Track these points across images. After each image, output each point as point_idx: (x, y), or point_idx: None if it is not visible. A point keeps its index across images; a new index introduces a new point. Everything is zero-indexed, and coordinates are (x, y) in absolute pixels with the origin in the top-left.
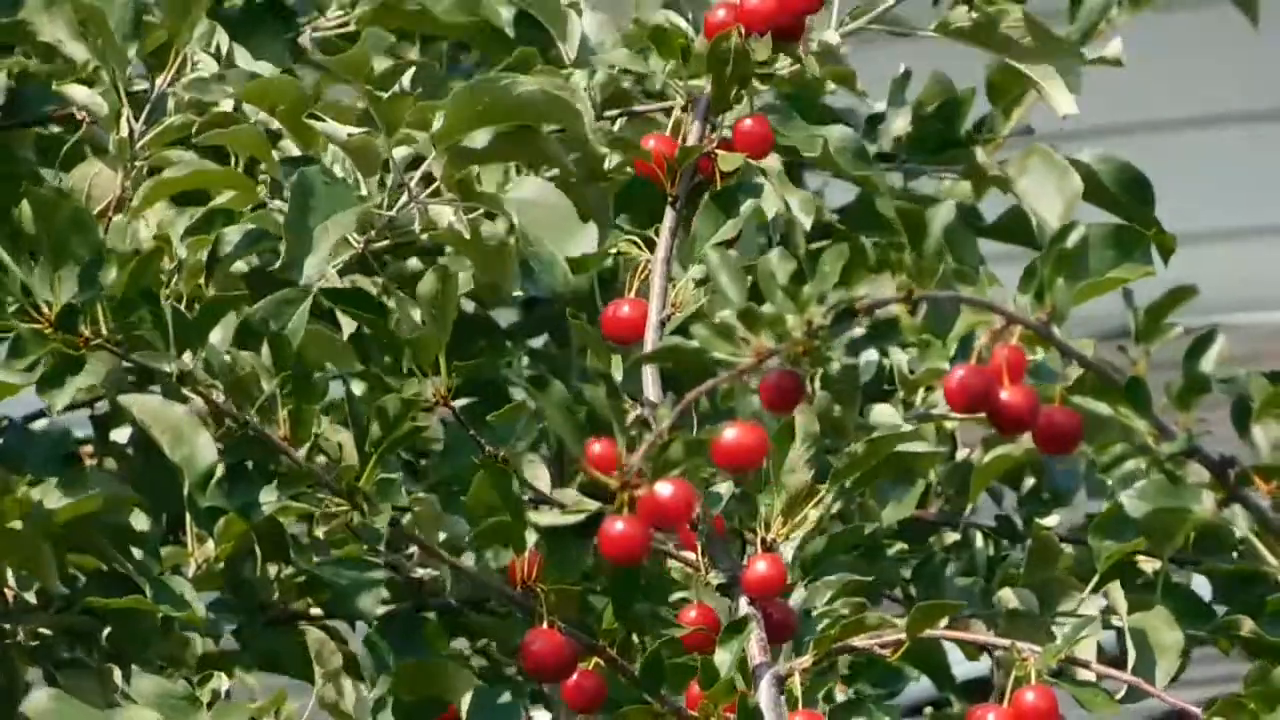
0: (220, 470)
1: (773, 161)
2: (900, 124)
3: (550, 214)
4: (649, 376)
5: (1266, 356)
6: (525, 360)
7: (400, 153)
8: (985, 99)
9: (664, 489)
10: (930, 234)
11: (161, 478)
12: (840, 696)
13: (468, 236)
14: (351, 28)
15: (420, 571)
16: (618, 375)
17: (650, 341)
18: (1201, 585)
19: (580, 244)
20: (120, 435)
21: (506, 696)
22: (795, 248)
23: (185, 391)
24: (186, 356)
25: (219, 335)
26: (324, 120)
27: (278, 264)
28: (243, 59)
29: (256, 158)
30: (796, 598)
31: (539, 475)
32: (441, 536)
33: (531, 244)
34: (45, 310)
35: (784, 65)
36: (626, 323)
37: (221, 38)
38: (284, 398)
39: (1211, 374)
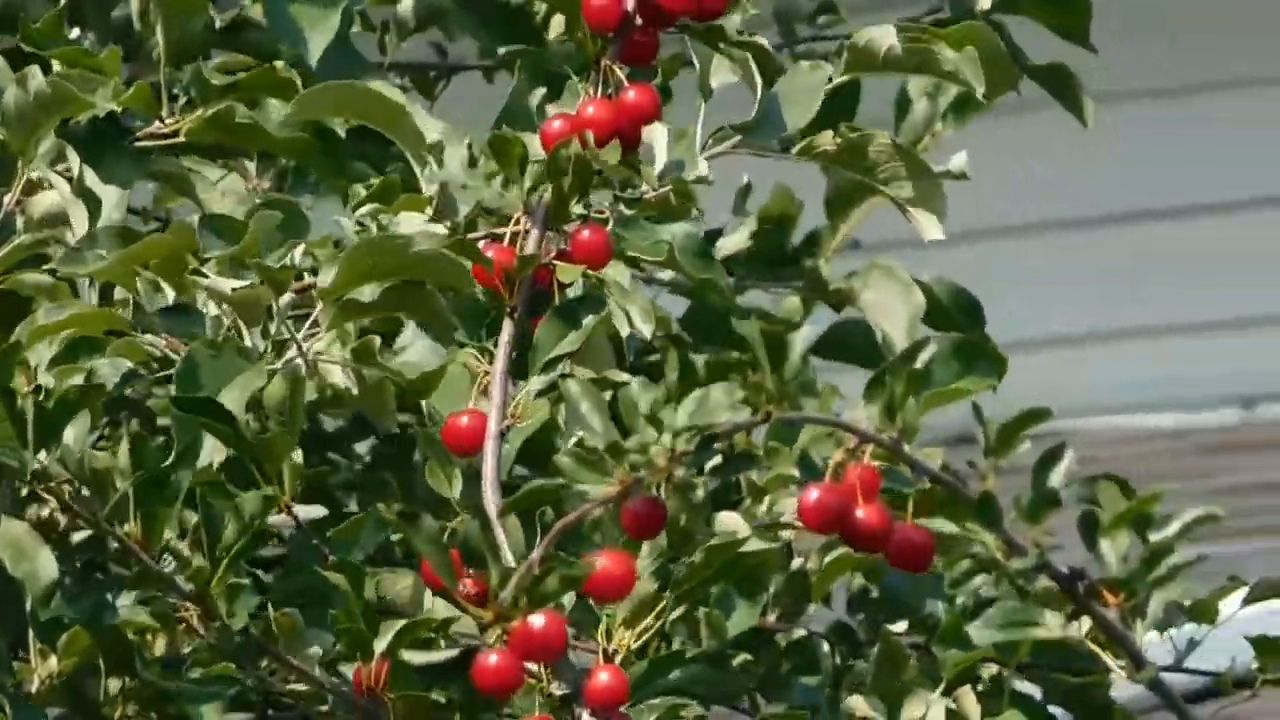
0: (63, 581)
1: (615, 272)
2: (739, 238)
3: (446, 382)
4: (489, 488)
5: (1101, 461)
6: (358, 467)
7: (283, 300)
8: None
9: (537, 620)
10: (790, 357)
11: (3, 593)
12: None
13: (356, 392)
14: (180, 139)
15: (290, 686)
16: (457, 488)
17: (490, 451)
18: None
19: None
20: None
21: None
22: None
23: (39, 492)
24: (42, 455)
25: (74, 433)
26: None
27: (170, 458)
28: (91, 180)
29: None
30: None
31: (397, 584)
32: (314, 649)
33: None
34: None
35: (647, 190)
36: (466, 432)
37: (71, 157)
38: (138, 499)
39: (1060, 487)
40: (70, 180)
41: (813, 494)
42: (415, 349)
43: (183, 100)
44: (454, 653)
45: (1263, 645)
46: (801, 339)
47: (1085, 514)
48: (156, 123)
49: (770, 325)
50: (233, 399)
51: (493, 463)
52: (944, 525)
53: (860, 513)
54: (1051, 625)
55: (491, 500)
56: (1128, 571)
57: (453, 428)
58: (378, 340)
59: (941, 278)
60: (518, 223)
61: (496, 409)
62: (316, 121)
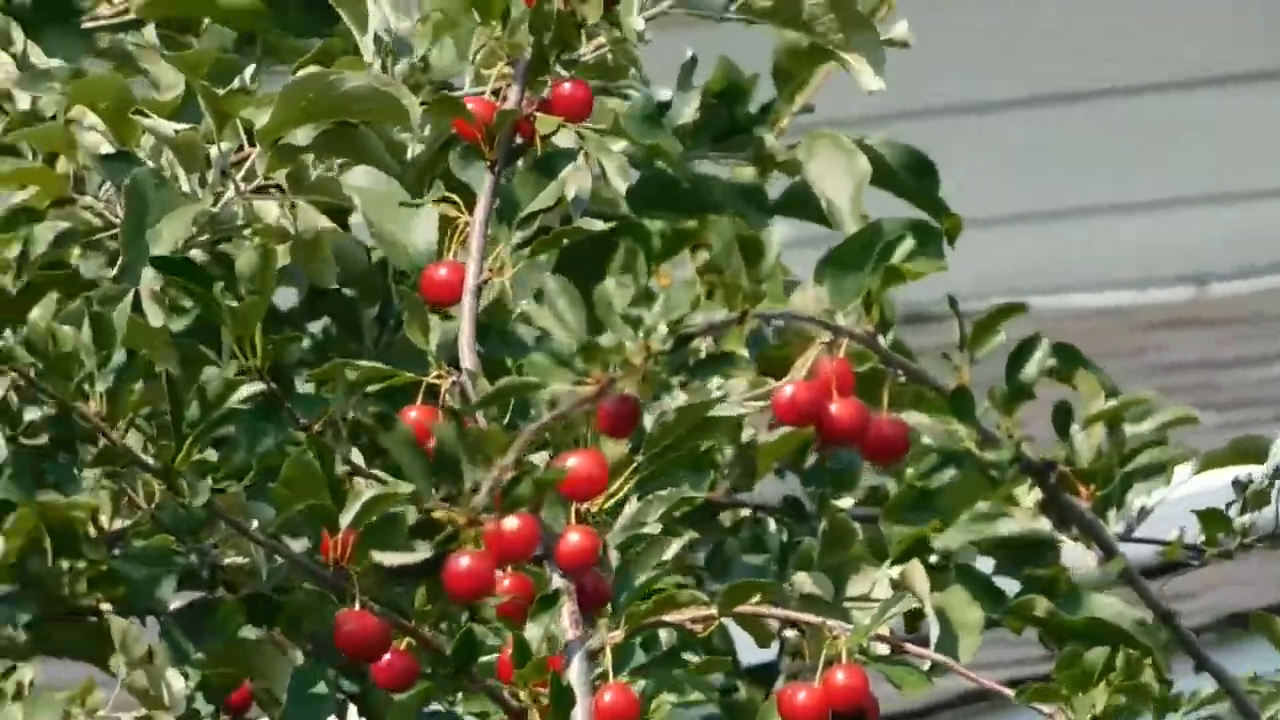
0: (12, 461)
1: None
2: (688, 111)
3: (387, 199)
4: (465, 345)
5: (1067, 339)
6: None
7: (223, 145)
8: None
9: (510, 524)
10: (765, 255)
11: None
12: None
13: (293, 231)
14: (131, 15)
15: (229, 560)
16: (434, 343)
17: (467, 306)
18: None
19: (419, 226)
20: None
21: (321, 686)
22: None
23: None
24: (6, 333)
25: (39, 313)
26: (148, 116)
27: (114, 271)
28: (35, 54)
29: (58, 153)
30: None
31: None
32: (253, 524)
33: (374, 226)
34: None
35: (587, 51)
36: (444, 285)
37: (14, 31)
38: (101, 376)
39: (1034, 379)
40: (15, 58)
41: (787, 390)
42: (357, 173)
43: None
44: (426, 554)
45: (1209, 518)
46: (777, 237)
47: (1060, 405)
48: (104, 3)
49: (744, 230)
50: (175, 227)
51: (470, 318)
52: (918, 417)
53: (835, 407)
54: (1020, 518)
55: (468, 356)
56: (1101, 463)
57: (431, 279)
58: (309, 161)
59: (892, 140)
60: (501, 78)
61: (475, 262)
62: None
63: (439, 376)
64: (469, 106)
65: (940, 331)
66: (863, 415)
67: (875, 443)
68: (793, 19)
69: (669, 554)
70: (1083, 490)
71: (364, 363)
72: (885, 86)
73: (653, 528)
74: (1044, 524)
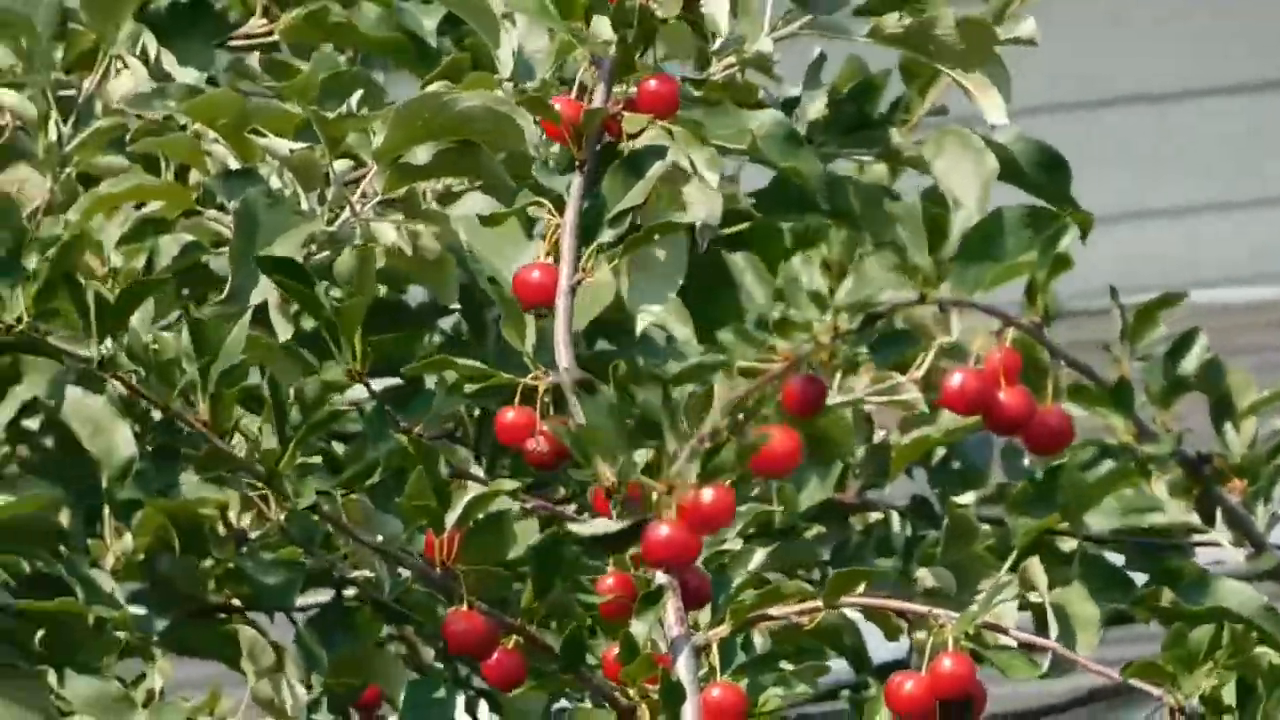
0: (138, 459)
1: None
2: (816, 107)
3: (499, 234)
4: (561, 344)
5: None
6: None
7: (340, 165)
8: (900, 82)
9: (707, 494)
10: (949, 238)
11: (77, 469)
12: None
13: (410, 253)
14: (274, 38)
15: (355, 574)
16: (530, 342)
17: (562, 307)
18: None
19: (523, 262)
20: (33, 422)
21: (441, 691)
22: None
23: (105, 377)
24: (108, 341)
25: (140, 319)
26: (265, 135)
27: (223, 294)
28: (169, 63)
29: (188, 165)
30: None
31: (460, 456)
32: (378, 539)
33: (478, 261)
34: None
35: (716, 71)
36: (537, 287)
37: (148, 40)
38: (204, 382)
39: (1193, 372)
40: (148, 64)
41: (956, 378)
42: (469, 201)
43: None
44: (625, 524)
45: None
46: (960, 221)
47: (1221, 397)
48: (251, 21)
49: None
50: (287, 247)
51: (564, 319)
52: (1076, 409)
53: (1003, 396)
54: (1172, 510)
55: (565, 355)
56: (1253, 457)
57: (524, 282)
58: (425, 188)
59: (1023, 135)
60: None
61: (567, 263)
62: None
63: (536, 378)
64: (556, 107)
65: (1074, 327)
66: (1030, 405)
67: (1040, 432)
68: (922, 46)
69: (754, 565)
70: (1236, 484)
71: (463, 361)
72: (1007, 120)
73: (733, 543)
74: (1193, 517)
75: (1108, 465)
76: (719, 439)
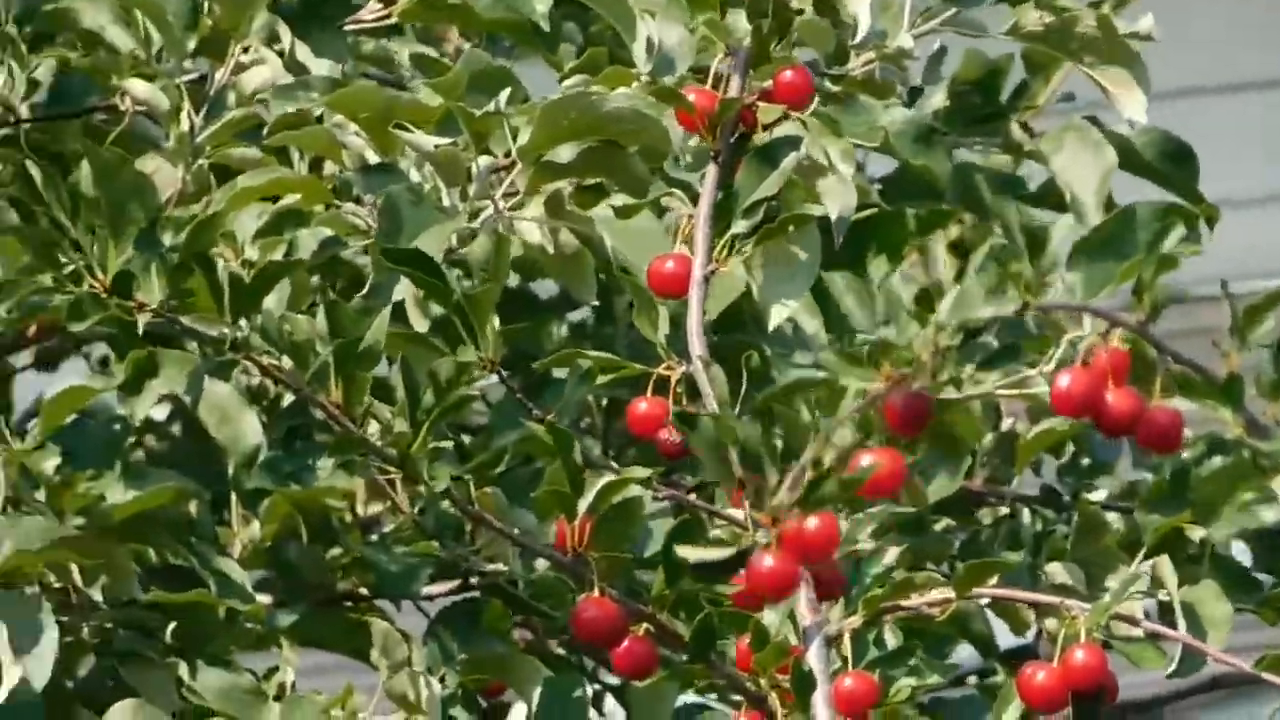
0: (265, 448)
1: (830, 145)
2: (937, 99)
3: (641, 235)
4: (694, 334)
5: None
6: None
7: (483, 161)
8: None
9: (812, 523)
10: (1048, 247)
11: (203, 456)
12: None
13: (552, 251)
14: (393, 20)
15: (489, 567)
16: (664, 331)
17: (695, 297)
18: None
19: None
20: (158, 412)
21: (577, 690)
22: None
23: (236, 359)
24: (241, 322)
25: (274, 301)
26: (409, 130)
27: (365, 289)
28: (303, 54)
29: (322, 158)
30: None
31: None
32: (515, 531)
33: (623, 264)
34: (100, 276)
35: (855, 66)
36: (671, 277)
37: (282, 31)
38: (337, 364)
39: None
40: (282, 55)
41: (1064, 379)
42: (614, 204)
43: None
44: (729, 552)
45: None
46: (1061, 229)
47: None
48: (370, 4)
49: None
50: (430, 244)
51: (697, 309)
52: (1186, 405)
53: (1111, 397)
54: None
55: (698, 345)
56: None
57: (658, 272)
58: (567, 189)
59: (1149, 126)
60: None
61: (701, 253)
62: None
63: (668, 368)
64: (690, 97)
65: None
66: (1138, 405)
67: (1150, 432)
68: (1062, 44)
69: (888, 562)
70: None
71: (594, 353)
72: (1145, 119)
73: (865, 544)
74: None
75: (1217, 461)
76: (821, 469)
